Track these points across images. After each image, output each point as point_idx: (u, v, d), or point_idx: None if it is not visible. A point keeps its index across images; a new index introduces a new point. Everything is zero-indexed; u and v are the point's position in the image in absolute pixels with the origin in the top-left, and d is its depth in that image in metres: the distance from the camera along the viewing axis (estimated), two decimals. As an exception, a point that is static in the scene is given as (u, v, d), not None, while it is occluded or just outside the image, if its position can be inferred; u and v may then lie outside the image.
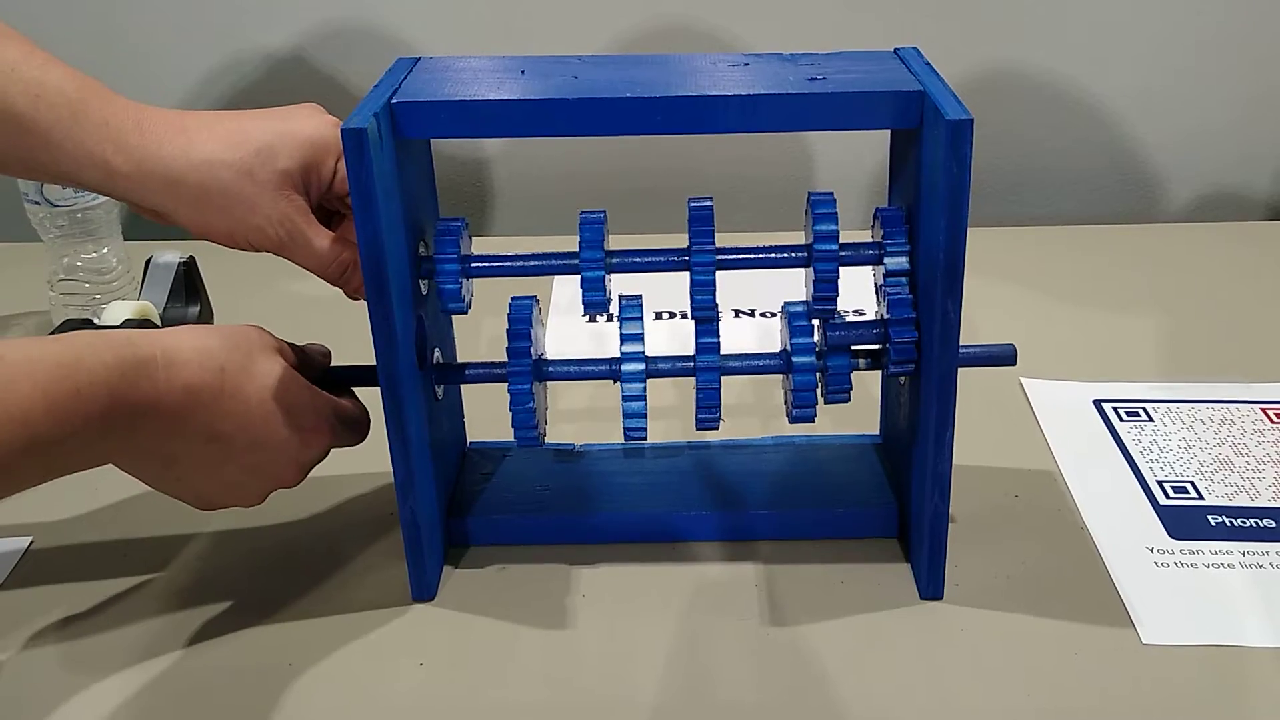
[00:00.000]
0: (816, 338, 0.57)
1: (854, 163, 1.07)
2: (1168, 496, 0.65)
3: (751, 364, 0.58)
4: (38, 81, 0.54)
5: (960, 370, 0.53)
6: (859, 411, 0.60)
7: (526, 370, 0.56)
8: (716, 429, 0.58)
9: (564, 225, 1.06)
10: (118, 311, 0.73)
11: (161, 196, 0.55)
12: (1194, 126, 1.05)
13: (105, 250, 0.84)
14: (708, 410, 0.57)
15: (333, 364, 0.60)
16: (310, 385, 0.56)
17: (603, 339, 0.84)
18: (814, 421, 0.57)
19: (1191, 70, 1.03)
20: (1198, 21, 1.01)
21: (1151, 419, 0.72)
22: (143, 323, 0.73)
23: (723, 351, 0.57)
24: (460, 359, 0.65)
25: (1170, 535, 0.61)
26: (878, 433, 0.67)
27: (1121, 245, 0.98)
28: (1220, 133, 1.05)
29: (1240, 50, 1.02)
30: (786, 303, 0.58)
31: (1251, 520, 0.62)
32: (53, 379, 0.44)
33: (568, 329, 0.84)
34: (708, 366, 0.56)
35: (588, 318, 0.86)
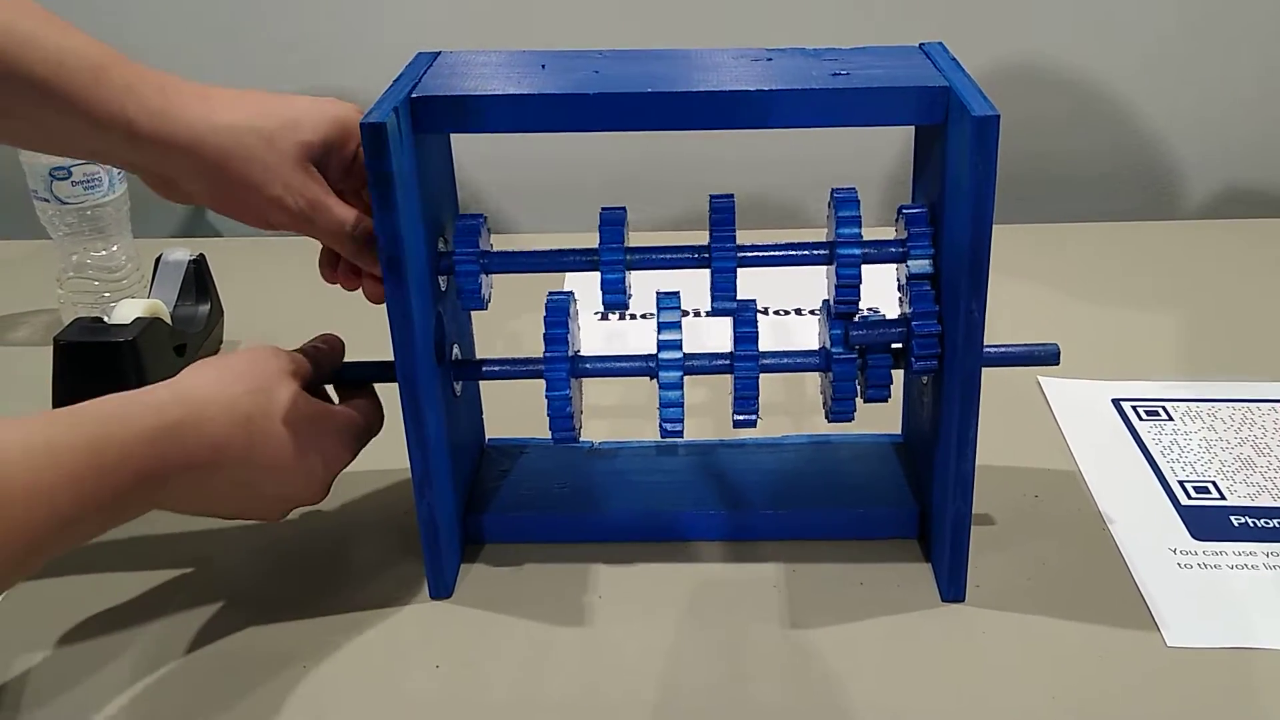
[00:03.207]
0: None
1: (868, 159, 1.06)
2: (1189, 497, 0.64)
3: (789, 361, 0.57)
4: (58, 48, 0.53)
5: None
6: (880, 410, 0.60)
7: (564, 365, 0.55)
8: (754, 426, 0.57)
9: (572, 223, 1.07)
10: (128, 310, 0.72)
11: (180, 162, 0.54)
12: (1214, 123, 1.04)
13: (114, 248, 0.84)
14: (745, 407, 0.56)
15: (347, 359, 0.60)
16: (330, 410, 0.56)
17: (616, 337, 0.83)
18: (853, 420, 0.57)
19: (1211, 67, 1.02)
20: (1218, 19, 1.00)
21: (1171, 418, 0.71)
22: (153, 321, 0.72)
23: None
24: (476, 355, 0.64)
25: (1193, 536, 0.61)
26: (898, 432, 0.66)
27: (1139, 243, 0.97)
28: (1240, 130, 1.05)
29: (1261, 48, 1.02)
30: (826, 300, 0.57)
31: (1275, 521, 0.62)
32: (80, 462, 0.44)
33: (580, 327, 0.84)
34: (746, 364, 0.56)
35: (600, 315, 0.86)
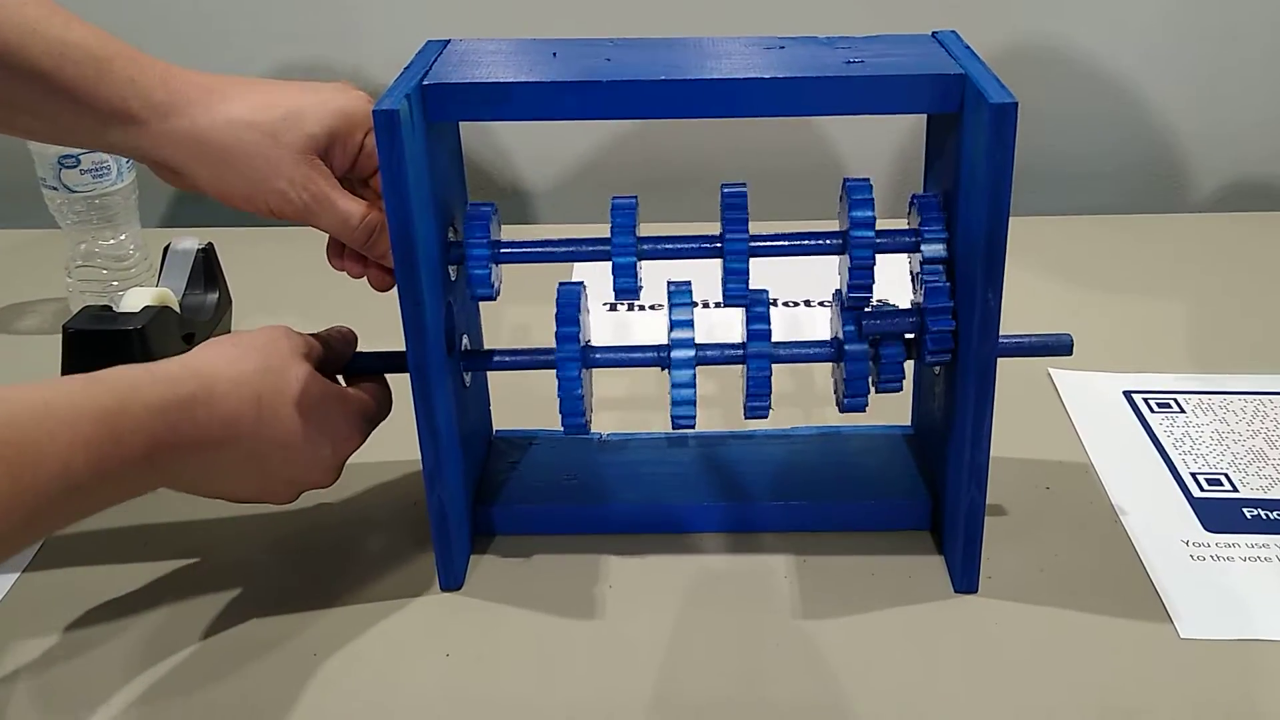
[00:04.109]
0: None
1: (872, 149, 1.06)
2: (1201, 489, 0.64)
3: (802, 352, 0.57)
4: (60, 40, 0.53)
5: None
6: (888, 402, 0.60)
7: (575, 356, 0.55)
8: (766, 417, 0.57)
9: (579, 214, 1.06)
10: (136, 298, 0.72)
11: (183, 154, 0.55)
12: (1225, 116, 1.04)
13: (123, 237, 0.84)
14: (757, 399, 0.56)
15: (358, 349, 0.60)
16: (341, 392, 0.56)
17: (623, 327, 0.83)
18: (865, 411, 0.56)
19: (1223, 59, 1.02)
20: (1230, 11, 1.00)
21: (1183, 410, 0.71)
22: (162, 310, 0.72)
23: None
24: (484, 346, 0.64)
25: (1205, 528, 0.61)
26: (909, 423, 0.66)
27: (1151, 235, 0.97)
28: (1251, 122, 1.04)
29: (1273, 41, 1.01)
30: (838, 290, 0.57)
31: (1288, 513, 0.61)
32: (95, 427, 0.44)
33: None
34: (759, 354, 0.55)
35: (608, 306, 0.85)
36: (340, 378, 0.60)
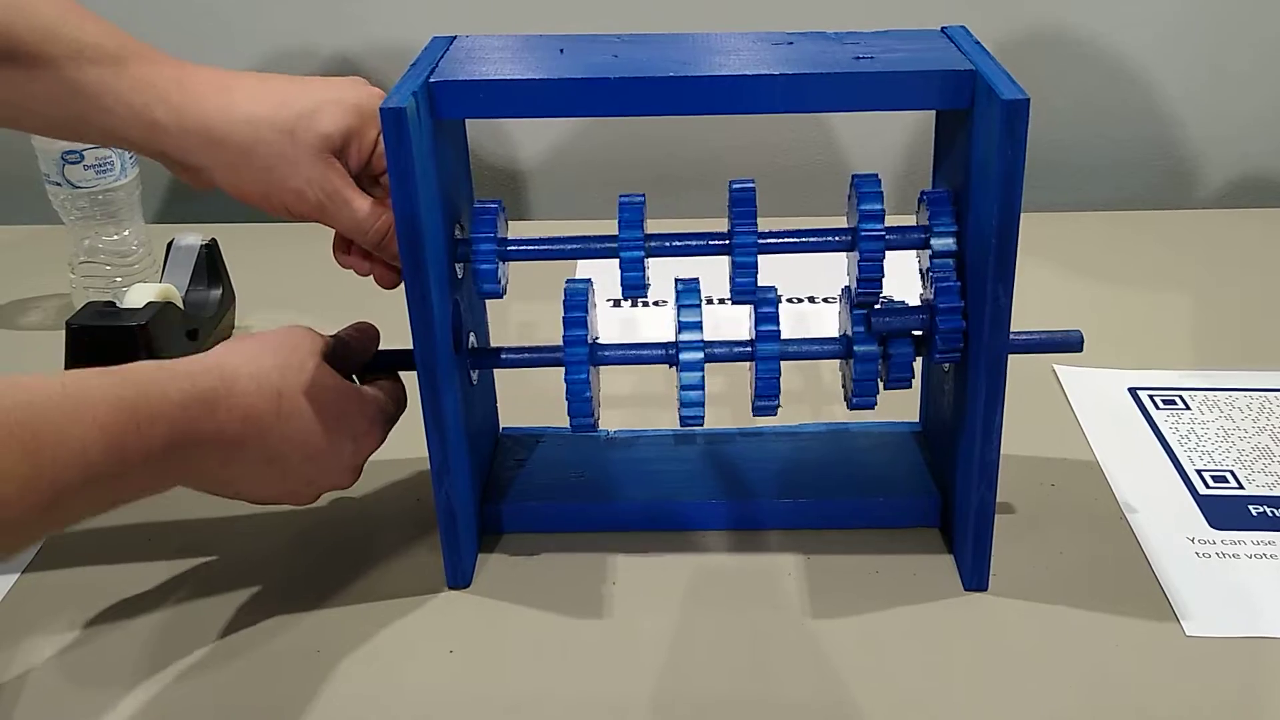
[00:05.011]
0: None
1: (880, 145, 1.05)
2: (1207, 486, 0.64)
3: (810, 349, 0.57)
4: (77, 40, 0.53)
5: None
6: (898, 399, 0.60)
7: (583, 354, 0.55)
8: (774, 414, 0.57)
9: (581, 210, 1.06)
10: (140, 294, 0.72)
11: (201, 154, 0.55)
12: (1231, 111, 1.04)
13: (126, 233, 0.84)
14: (766, 396, 0.56)
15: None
16: (360, 390, 0.56)
17: (629, 324, 0.83)
18: (874, 408, 0.56)
19: (1230, 55, 1.02)
20: (1236, 10, 1.00)
21: (1189, 407, 0.71)
22: (165, 305, 0.72)
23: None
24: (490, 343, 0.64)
25: (1211, 525, 0.61)
26: (918, 420, 0.66)
27: (1156, 231, 0.97)
28: (1258, 118, 1.04)
29: (1278, 38, 1.01)
30: (846, 287, 0.57)
31: (1294, 510, 0.61)
32: (113, 415, 0.44)
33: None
34: (767, 351, 0.55)
35: (613, 303, 0.85)
36: (354, 377, 0.60)
